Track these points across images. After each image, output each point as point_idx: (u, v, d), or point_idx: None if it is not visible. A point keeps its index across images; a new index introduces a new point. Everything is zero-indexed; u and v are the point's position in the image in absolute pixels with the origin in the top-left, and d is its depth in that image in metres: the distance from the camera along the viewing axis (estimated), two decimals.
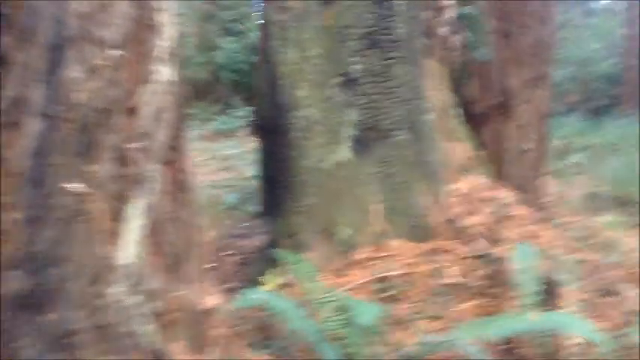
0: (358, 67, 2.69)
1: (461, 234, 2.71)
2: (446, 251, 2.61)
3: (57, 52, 1.48)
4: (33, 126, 1.47)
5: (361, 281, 2.42)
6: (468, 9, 3.64)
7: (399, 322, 2.26)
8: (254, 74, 3.20)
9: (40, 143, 1.47)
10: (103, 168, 1.52)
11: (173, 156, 1.73)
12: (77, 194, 1.48)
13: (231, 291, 2.15)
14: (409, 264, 2.53)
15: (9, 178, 1.46)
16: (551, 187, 4.49)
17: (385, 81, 2.73)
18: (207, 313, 1.76)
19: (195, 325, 1.73)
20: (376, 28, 2.67)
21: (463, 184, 3.03)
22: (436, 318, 2.35)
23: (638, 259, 3.28)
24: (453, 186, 2.96)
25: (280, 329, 2.02)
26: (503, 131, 3.70)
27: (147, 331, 1.58)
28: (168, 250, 1.70)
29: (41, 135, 1.47)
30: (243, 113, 9.09)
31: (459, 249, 2.63)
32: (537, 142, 3.84)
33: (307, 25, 2.63)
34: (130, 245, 1.56)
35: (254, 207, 3.67)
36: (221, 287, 2.15)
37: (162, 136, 1.68)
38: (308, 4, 2.64)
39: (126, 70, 1.57)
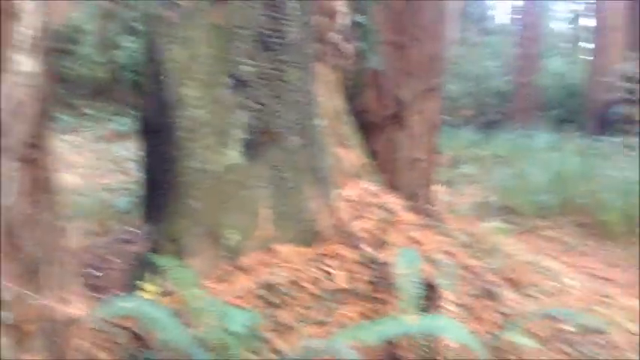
0: (249, 68, 2.64)
1: (349, 239, 2.73)
2: (333, 256, 2.61)
3: None
4: None
5: (246, 288, 2.36)
6: (361, 18, 3.70)
7: (284, 329, 2.22)
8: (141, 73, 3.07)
9: None
10: None
11: (34, 154, 1.60)
12: None
13: (105, 299, 2.03)
14: (296, 269, 2.50)
15: None
16: (441, 195, 4.64)
17: (276, 84, 2.70)
18: (70, 323, 1.64)
19: (56, 336, 1.61)
20: (268, 30, 2.63)
21: (353, 191, 3.06)
22: (322, 324, 2.34)
23: (517, 264, 3.45)
24: (343, 192, 2.98)
25: (153, 339, 1.92)
26: (395, 140, 3.78)
27: None
28: (25, 255, 1.57)
29: None
30: None
31: (346, 254, 2.63)
32: (428, 152, 3.95)
33: (196, 23, 2.55)
34: None
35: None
36: (93, 295, 2.02)
37: (21, 132, 1.55)
38: (197, 2, 2.56)
39: None
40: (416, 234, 2.98)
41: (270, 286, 2.38)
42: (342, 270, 2.53)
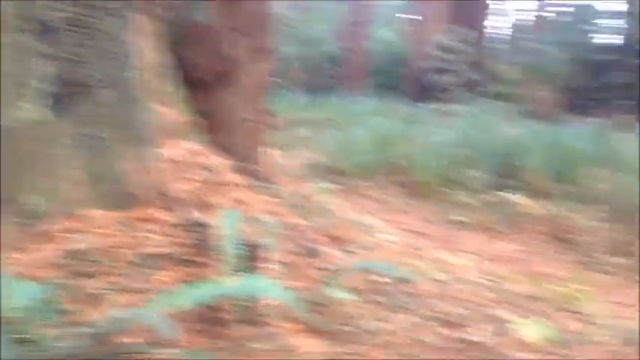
0: (57, 14, 2.35)
1: (169, 201, 2.59)
2: (151, 220, 2.46)
3: None
4: None
5: (50, 257, 2.15)
6: None
7: (92, 299, 2.06)
8: None
9: None
10: None
11: None
12: None
13: None
14: (109, 235, 2.32)
15: None
16: (272, 157, 4.64)
17: (88, 32, 2.44)
18: None
19: None
20: None
21: (176, 151, 2.91)
22: (137, 291, 2.20)
23: (341, 222, 3.57)
24: (164, 152, 2.82)
25: None
26: (224, 100, 3.67)
27: None
28: None
29: None
30: None
31: (165, 218, 2.51)
32: (258, 113, 3.89)
33: None
34: None
35: None
36: None
37: None
38: None
39: None
40: (242, 195, 2.93)
41: (78, 254, 2.19)
42: (160, 234, 2.41)
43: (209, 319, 2.15)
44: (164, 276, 2.29)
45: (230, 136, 3.68)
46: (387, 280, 2.80)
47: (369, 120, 7.70)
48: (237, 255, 2.31)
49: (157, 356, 1.79)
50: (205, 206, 2.69)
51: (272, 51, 4.05)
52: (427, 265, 3.31)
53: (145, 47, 2.95)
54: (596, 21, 13.92)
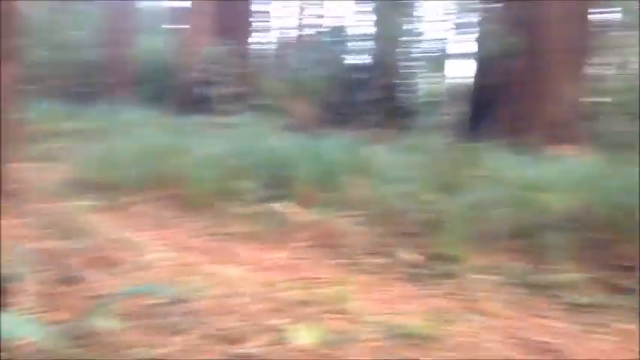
0: None
1: None
2: None
3: None
4: None
5: None
6: None
7: None
8: None
9: None
10: None
11: None
12: None
13: None
14: None
15: None
16: (24, 173, 4.14)
17: None
18: None
19: None
20: None
21: None
22: None
23: (106, 242, 3.31)
24: None
25: None
26: None
27: None
28: None
29: None
30: None
31: None
32: (5, 125, 3.45)
33: None
34: None
35: None
36: None
37: None
38: None
39: None
40: None
41: None
42: None
43: None
44: None
45: None
46: (161, 301, 2.66)
47: (136, 131, 7.34)
48: None
49: None
50: None
51: (19, 54, 3.63)
52: (203, 281, 3.24)
53: None
54: (348, 42, 15.27)
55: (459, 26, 14.62)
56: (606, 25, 12.05)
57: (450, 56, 14.72)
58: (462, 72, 11.92)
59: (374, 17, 14.36)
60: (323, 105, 12.16)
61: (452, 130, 10.28)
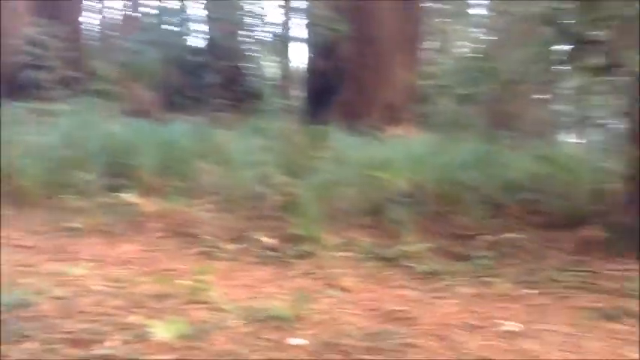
0: None
1: None
2: None
3: None
4: None
5: None
6: None
7: None
8: None
9: None
10: None
11: None
12: None
13: None
14: None
15: None
16: None
17: None
18: None
19: None
20: None
21: None
22: None
23: None
24: None
25: None
26: None
27: None
28: None
29: None
30: None
31: None
32: None
33: None
34: None
35: None
36: None
37: None
38: None
39: None
40: None
41: None
42: None
43: None
44: None
45: None
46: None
47: None
48: None
49: None
50: None
51: None
52: (44, 282, 2.97)
53: None
54: (184, 23, 14.75)
55: (294, 10, 14.84)
56: (434, 12, 13.00)
57: (292, 40, 14.91)
58: (305, 57, 12.14)
59: None
60: (164, 89, 11.69)
61: (295, 114, 10.47)
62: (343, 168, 5.08)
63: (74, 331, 2.42)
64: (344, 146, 5.89)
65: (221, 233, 4.01)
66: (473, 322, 2.83)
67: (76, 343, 2.33)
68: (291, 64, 14.92)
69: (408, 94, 9.81)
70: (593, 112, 10.78)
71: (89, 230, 4.15)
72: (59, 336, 2.36)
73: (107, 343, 2.33)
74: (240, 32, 13.46)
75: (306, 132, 6.23)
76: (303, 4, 13.42)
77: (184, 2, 15.67)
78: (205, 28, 13.94)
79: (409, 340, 2.54)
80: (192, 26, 14.42)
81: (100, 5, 17.37)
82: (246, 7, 13.83)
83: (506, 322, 2.84)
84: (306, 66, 12.15)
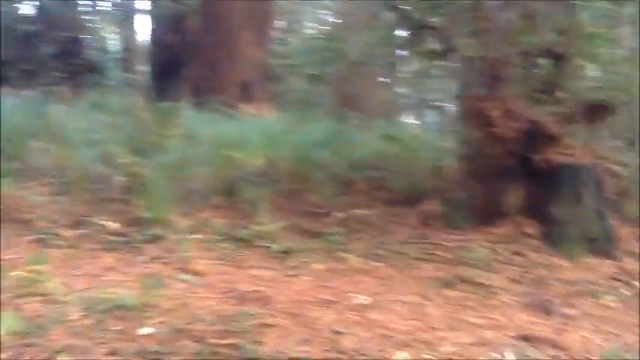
0: None
1: None
2: None
3: None
4: None
5: None
6: None
7: None
8: None
9: None
10: None
11: None
12: None
13: None
14: None
15: None
16: None
17: None
18: None
19: None
20: None
21: None
22: None
23: None
24: None
25: None
26: None
27: None
28: None
29: None
30: None
31: None
32: None
33: None
34: None
35: None
36: None
37: None
38: None
39: None
40: None
41: None
42: None
43: None
44: None
45: None
46: None
47: None
48: None
49: None
50: None
51: None
52: None
53: None
54: None
55: None
56: None
57: (135, 12, 14.05)
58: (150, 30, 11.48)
59: None
60: None
61: (141, 89, 9.94)
62: (194, 146, 4.90)
63: None
64: (194, 124, 5.67)
65: (59, 218, 3.68)
66: (326, 298, 2.90)
67: None
68: (136, 37, 14.07)
69: (260, 73, 9.75)
70: (430, 94, 11.57)
71: None
72: None
73: None
74: (79, 1, 12.44)
75: (154, 108, 5.91)
76: None
77: None
78: None
79: (263, 321, 2.52)
80: None
81: None
82: None
83: (358, 296, 2.94)
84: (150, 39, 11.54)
